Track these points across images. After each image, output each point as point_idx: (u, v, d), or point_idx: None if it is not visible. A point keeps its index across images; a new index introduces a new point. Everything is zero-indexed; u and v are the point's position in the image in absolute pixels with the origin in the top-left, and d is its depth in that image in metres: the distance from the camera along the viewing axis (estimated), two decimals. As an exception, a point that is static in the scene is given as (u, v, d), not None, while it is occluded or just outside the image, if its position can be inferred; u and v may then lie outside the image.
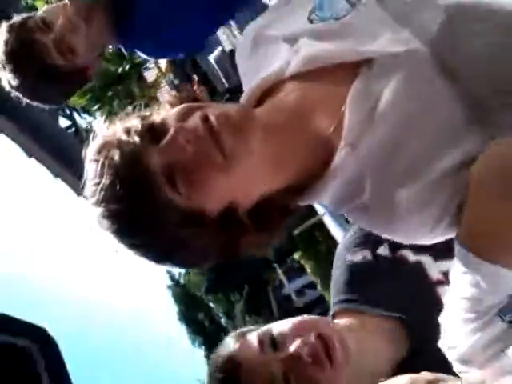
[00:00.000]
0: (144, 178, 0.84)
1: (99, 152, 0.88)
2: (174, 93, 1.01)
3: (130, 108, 0.97)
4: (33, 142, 6.07)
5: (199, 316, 26.27)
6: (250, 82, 1.02)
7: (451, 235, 0.90)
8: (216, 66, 6.47)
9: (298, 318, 1.26)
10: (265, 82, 0.98)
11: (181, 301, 22.48)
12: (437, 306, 1.10)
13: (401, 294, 1.32)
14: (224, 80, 7.36)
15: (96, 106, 9.39)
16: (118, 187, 0.83)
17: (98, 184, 0.85)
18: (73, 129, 7.32)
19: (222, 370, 1.20)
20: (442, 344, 0.95)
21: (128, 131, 0.87)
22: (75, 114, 8.71)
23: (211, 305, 25.23)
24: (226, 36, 8.62)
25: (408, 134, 0.88)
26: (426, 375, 0.90)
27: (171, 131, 0.85)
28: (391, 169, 0.89)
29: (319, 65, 0.94)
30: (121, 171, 0.84)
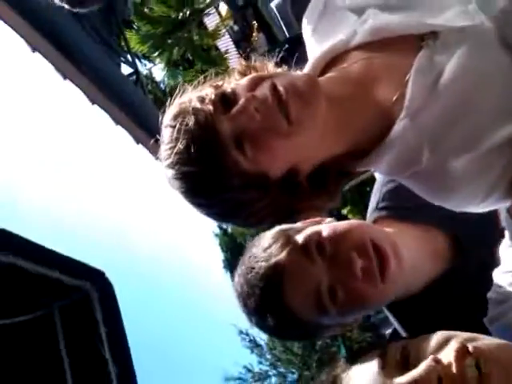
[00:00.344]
0: (215, 142, 0.90)
1: (175, 118, 0.94)
2: (243, 62, 1.05)
3: (201, 77, 1.02)
4: (96, 88, 6.17)
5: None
6: (315, 48, 1.05)
7: (503, 205, 0.95)
8: (277, 14, 6.38)
9: (349, 222, 1.18)
10: (331, 50, 1.00)
11: (227, 249, 22.77)
12: (492, 226, 1.12)
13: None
14: (285, 29, 7.26)
15: (156, 53, 9.45)
16: (191, 150, 0.89)
17: (173, 148, 0.92)
18: (134, 76, 7.36)
19: (263, 276, 1.09)
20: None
21: (202, 100, 0.93)
22: (137, 62, 8.76)
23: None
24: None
25: (467, 106, 0.90)
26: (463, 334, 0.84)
27: (242, 100, 0.90)
28: (449, 139, 0.91)
29: (385, 35, 0.96)
30: (195, 136, 0.90)
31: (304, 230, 1.12)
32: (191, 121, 0.91)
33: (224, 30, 9.38)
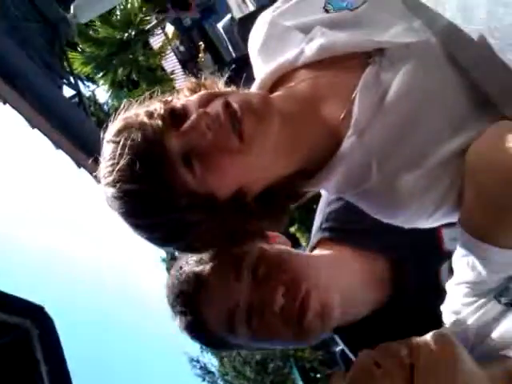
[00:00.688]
0: (163, 158, 0.85)
1: (119, 133, 0.88)
2: (193, 79, 1.00)
3: (147, 94, 0.97)
4: (36, 112, 6.00)
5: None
6: (262, 68, 1.03)
7: (452, 219, 0.93)
8: (224, 35, 6.36)
9: (298, 257, 1.14)
10: (278, 70, 0.99)
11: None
12: (434, 248, 1.14)
13: (392, 233, 1.15)
14: (231, 49, 7.26)
15: (100, 74, 9.29)
16: (136, 167, 0.84)
17: (116, 164, 0.86)
18: (76, 99, 7.21)
19: (185, 279, 1.09)
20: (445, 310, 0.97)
21: (150, 114, 0.88)
22: (80, 84, 8.62)
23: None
24: (235, 3, 8.51)
25: (415, 122, 0.90)
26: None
27: (193, 116, 0.86)
28: (396, 156, 0.90)
29: (332, 54, 0.95)
30: (141, 152, 0.85)
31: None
32: (138, 136, 0.86)
33: (170, 51, 9.33)
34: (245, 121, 0.86)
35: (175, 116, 0.88)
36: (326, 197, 1.32)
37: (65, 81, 7.25)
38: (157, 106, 0.91)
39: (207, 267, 1.07)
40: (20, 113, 6.02)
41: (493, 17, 0.77)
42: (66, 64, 7.65)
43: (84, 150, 6.43)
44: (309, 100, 0.95)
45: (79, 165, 6.66)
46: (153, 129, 0.86)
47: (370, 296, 1.18)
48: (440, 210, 0.91)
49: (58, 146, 6.35)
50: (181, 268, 1.10)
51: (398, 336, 1.13)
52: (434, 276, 1.17)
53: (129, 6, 8.73)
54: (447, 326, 0.96)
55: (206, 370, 21.65)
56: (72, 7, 4.94)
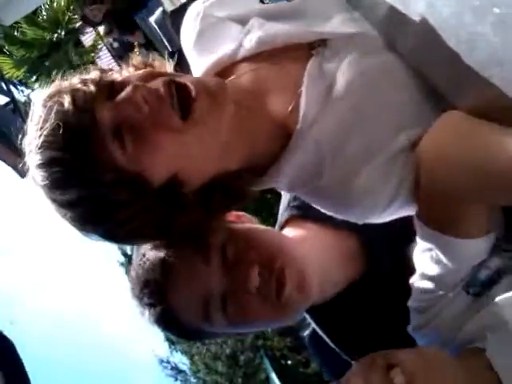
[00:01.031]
0: (90, 128, 0.79)
1: (50, 98, 0.83)
2: (141, 58, 0.95)
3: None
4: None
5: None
6: (199, 62, 0.99)
7: (406, 213, 0.93)
8: (157, 29, 6.25)
9: (268, 233, 1.11)
10: (217, 63, 0.95)
11: (126, 256, 22.39)
12: (407, 230, 1.09)
13: None
14: (167, 43, 7.15)
15: (34, 78, 8.99)
16: (61, 133, 0.78)
17: (41, 129, 0.80)
18: (11, 105, 6.99)
19: (148, 272, 0.99)
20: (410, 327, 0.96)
21: (85, 82, 0.83)
22: (13, 89, 8.37)
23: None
24: (167, -6, 8.38)
25: (363, 114, 0.88)
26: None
27: (129, 87, 0.81)
28: (348, 149, 0.89)
29: (273, 46, 0.92)
30: (68, 117, 0.79)
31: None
32: (67, 100, 0.80)
33: (103, 48, 9.13)
34: (198, 100, 0.81)
35: (113, 87, 0.83)
36: None
37: (-4, 87, 7.02)
38: (93, 75, 0.85)
39: (172, 251, 0.98)
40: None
41: (432, 9, 0.77)
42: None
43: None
44: (253, 93, 0.92)
45: (22, 175, 6.46)
46: (84, 95, 0.81)
47: (343, 273, 1.16)
48: (393, 205, 0.90)
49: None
50: (144, 255, 1.01)
51: (369, 314, 1.13)
52: (408, 258, 1.13)
53: (55, 5, 8.47)
54: (414, 321, 0.95)
55: (177, 370, 21.49)
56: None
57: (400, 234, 1.15)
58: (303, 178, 0.92)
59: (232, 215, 1.10)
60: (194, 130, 0.82)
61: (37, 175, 0.83)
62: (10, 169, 6.54)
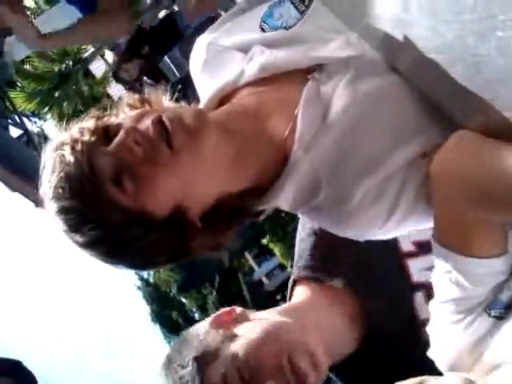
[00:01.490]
0: (91, 176, 0.85)
1: (54, 150, 0.90)
2: (134, 95, 0.99)
3: (92, 112, 0.97)
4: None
5: (173, 314, 26.12)
6: (206, 88, 1.04)
7: (405, 229, 0.95)
8: (166, 57, 6.36)
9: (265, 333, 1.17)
10: (221, 90, 1.01)
11: (152, 300, 22.29)
12: (403, 283, 1.16)
13: (367, 268, 1.26)
14: (175, 69, 7.24)
15: (45, 109, 9.12)
16: (66, 185, 0.85)
17: (50, 181, 0.88)
18: (25, 137, 7.06)
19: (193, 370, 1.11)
20: (431, 352, 0.95)
21: (82, 131, 0.89)
22: (26, 121, 8.47)
23: (183, 300, 25.20)
24: None
25: (359, 134, 0.90)
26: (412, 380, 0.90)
27: (121, 132, 0.86)
28: (344, 169, 0.91)
29: (273, 71, 0.97)
30: (69, 168, 0.85)
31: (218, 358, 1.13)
32: (67, 152, 0.87)
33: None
34: (175, 134, 0.85)
35: (108, 133, 0.88)
36: (299, 232, 1.37)
37: (10, 121, 7.10)
38: (89, 123, 0.91)
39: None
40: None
41: (435, 34, 0.77)
42: (8, 104, 7.50)
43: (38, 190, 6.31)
44: (252, 115, 0.96)
45: (37, 205, 6.52)
46: (81, 145, 0.86)
47: (348, 333, 1.22)
48: (393, 217, 0.91)
49: (13, 188, 6.21)
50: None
51: (389, 368, 1.16)
52: (409, 310, 1.18)
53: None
54: (435, 349, 0.94)
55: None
56: (5, 46, 4.84)
57: (398, 289, 1.20)
58: (302, 197, 0.95)
59: (223, 319, 1.21)
60: (180, 161, 0.86)
61: (56, 221, 0.90)
62: (25, 199, 6.58)
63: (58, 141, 0.91)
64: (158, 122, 0.86)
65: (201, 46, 1.08)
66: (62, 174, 0.86)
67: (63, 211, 0.87)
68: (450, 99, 0.84)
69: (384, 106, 0.91)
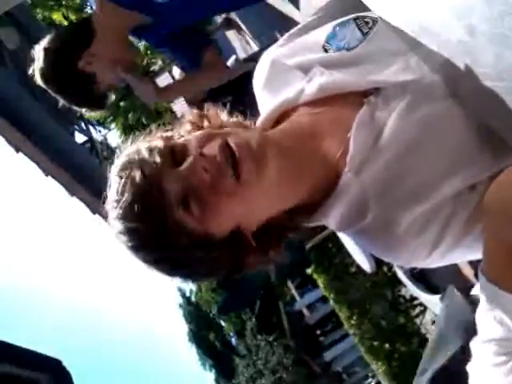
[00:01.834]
0: (160, 201, 0.88)
1: (123, 169, 0.92)
2: (196, 112, 1.03)
3: (153, 126, 1.01)
4: (49, 159, 6.08)
5: (210, 336, 26.03)
6: (266, 104, 1.07)
7: (451, 260, 0.95)
8: (231, 77, 6.50)
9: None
10: (280, 106, 1.03)
11: (192, 320, 22.29)
12: None
13: None
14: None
15: (110, 119, 9.39)
16: (136, 206, 0.88)
17: (119, 201, 0.90)
18: (89, 144, 7.30)
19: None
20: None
21: (151, 151, 0.91)
22: (91, 129, 8.73)
23: (222, 323, 25.08)
24: (239, 43, 8.66)
25: (410, 161, 0.91)
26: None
27: (190, 158, 0.89)
28: (393, 194, 0.92)
29: (331, 93, 0.99)
30: (140, 192, 0.88)
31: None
32: (137, 174, 0.89)
33: (178, 94, 9.44)
34: (242, 163, 0.88)
35: (175, 155, 0.91)
36: None
37: (76, 127, 7.37)
38: (158, 143, 0.93)
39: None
40: (33, 161, 6.11)
41: (500, 59, 0.75)
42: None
43: (98, 196, 6.48)
44: (308, 135, 0.98)
45: (94, 211, 6.70)
46: (151, 168, 0.89)
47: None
48: (439, 247, 0.92)
49: (72, 192, 6.42)
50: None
51: None
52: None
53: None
54: None
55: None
56: (81, 57, 5.11)
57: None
58: (349, 218, 0.97)
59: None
60: (246, 189, 0.90)
61: (120, 238, 0.93)
62: (82, 204, 6.77)
63: (126, 159, 0.93)
64: (225, 149, 0.88)
65: (265, 62, 1.12)
66: (130, 195, 0.88)
67: (130, 232, 0.91)
68: (507, 130, 0.84)
69: (437, 136, 0.91)
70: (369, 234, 0.98)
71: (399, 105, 0.93)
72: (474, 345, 0.88)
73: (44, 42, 2.14)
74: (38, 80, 2.13)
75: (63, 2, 8.86)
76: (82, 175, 6.50)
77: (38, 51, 2.13)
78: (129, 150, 0.96)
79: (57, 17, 8.57)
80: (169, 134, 0.98)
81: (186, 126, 1.00)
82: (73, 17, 8.71)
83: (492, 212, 0.80)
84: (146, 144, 0.94)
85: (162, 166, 0.89)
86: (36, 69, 2.12)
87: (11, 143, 5.85)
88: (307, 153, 0.97)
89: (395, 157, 0.92)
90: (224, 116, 1.03)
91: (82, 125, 7.57)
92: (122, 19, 2.15)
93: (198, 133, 0.95)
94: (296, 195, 0.97)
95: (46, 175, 6.34)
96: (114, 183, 0.92)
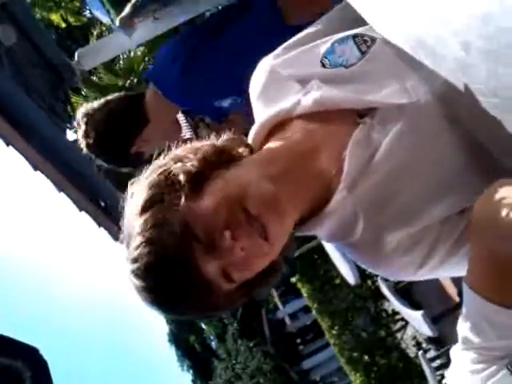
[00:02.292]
0: (201, 282, 0.90)
1: (148, 228, 0.90)
2: (207, 133, 1.03)
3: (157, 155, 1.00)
4: (39, 155, 6.05)
5: (190, 338, 25.93)
6: (261, 112, 1.08)
7: (438, 275, 0.98)
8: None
9: None
10: (275, 116, 1.03)
11: (172, 321, 22.21)
12: None
13: None
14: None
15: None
16: (174, 288, 0.90)
17: (148, 276, 0.90)
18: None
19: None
20: None
21: (172, 235, 0.89)
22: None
23: (203, 326, 25.04)
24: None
25: (402, 183, 0.93)
26: None
27: (226, 244, 0.89)
28: (382, 214, 0.94)
29: (327, 108, 0.99)
30: (180, 278, 0.89)
31: None
32: (169, 265, 0.88)
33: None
34: (266, 224, 0.90)
35: (207, 242, 0.90)
36: None
37: (68, 125, 7.32)
38: (174, 221, 0.89)
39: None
40: (23, 155, 6.07)
41: (493, 76, 0.77)
42: (69, 108, 7.77)
43: (86, 194, 6.46)
44: (305, 154, 0.99)
45: (80, 208, 6.67)
46: (184, 257, 0.88)
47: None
48: (426, 266, 0.95)
49: (60, 188, 6.37)
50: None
51: None
52: None
53: (132, 54, 8.90)
54: None
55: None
56: (76, 55, 5.10)
57: None
58: (339, 233, 0.99)
59: None
60: (275, 245, 0.94)
61: (142, 296, 0.94)
62: (70, 200, 6.71)
63: (149, 220, 0.90)
64: (251, 217, 0.90)
65: (262, 70, 1.12)
66: (169, 282, 0.89)
67: (162, 303, 0.93)
68: (501, 150, 0.86)
69: (428, 162, 0.93)
70: (357, 249, 1.00)
71: (394, 128, 0.94)
72: (453, 352, 0.90)
73: (91, 110, 2.11)
74: (83, 147, 2.13)
75: (62, 4, 8.85)
76: (71, 172, 6.46)
77: (84, 117, 2.11)
78: (145, 195, 0.93)
79: (55, 18, 8.56)
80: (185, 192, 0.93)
81: (198, 155, 0.97)
82: (71, 19, 8.71)
83: (479, 225, 0.82)
84: (164, 213, 0.91)
85: (196, 253, 0.89)
86: (81, 138, 2.11)
87: (1, 137, 5.82)
88: (305, 171, 0.98)
89: (386, 179, 0.94)
90: (239, 147, 1.03)
91: (75, 123, 7.52)
92: (177, 110, 2.23)
93: (214, 202, 0.91)
94: (298, 214, 0.99)
95: (35, 170, 6.31)
96: (137, 243, 0.90)
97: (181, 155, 0.96)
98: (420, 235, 0.93)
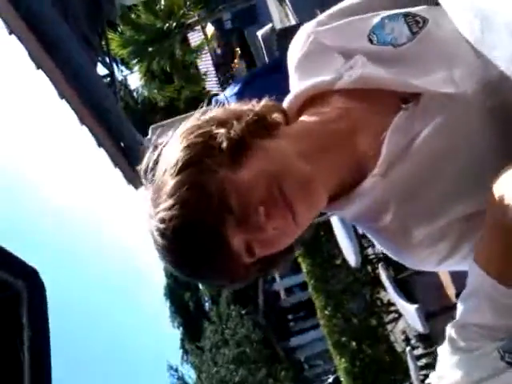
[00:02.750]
0: (225, 252, 0.89)
1: (179, 192, 0.88)
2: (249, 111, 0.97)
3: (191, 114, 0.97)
4: (67, 82, 6.08)
5: (185, 295, 26.35)
6: (298, 83, 1.03)
7: (459, 268, 0.96)
8: (262, 43, 6.39)
9: None
10: (313, 88, 0.99)
11: (171, 275, 22.53)
12: None
13: None
14: (266, 58, 7.29)
15: (135, 60, 9.31)
16: (197, 253, 0.89)
17: (175, 248, 0.90)
18: (108, 79, 7.27)
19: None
20: (432, 375, 0.92)
21: (206, 197, 0.87)
22: (114, 65, 8.69)
23: (200, 285, 25.38)
24: (278, 14, 8.58)
25: (436, 174, 0.91)
26: None
27: (260, 221, 0.87)
28: (414, 203, 0.93)
29: (369, 86, 0.95)
30: (204, 245, 0.88)
31: None
32: (199, 230, 0.87)
33: (206, 51, 9.39)
34: (296, 204, 0.88)
35: (235, 213, 0.88)
36: None
37: (100, 59, 7.32)
38: (212, 186, 0.88)
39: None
40: (52, 81, 6.10)
41: None
42: (104, 43, 7.75)
43: (107, 131, 6.49)
44: (342, 132, 0.96)
45: (99, 144, 6.71)
46: (213, 226, 0.87)
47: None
48: (450, 259, 0.94)
49: (82, 122, 6.41)
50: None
51: None
52: None
53: (174, -3, 8.84)
54: (439, 372, 0.90)
55: (182, 381, 21.27)
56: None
57: None
58: (366, 216, 0.97)
59: None
60: (302, 222, 0.91)
61: (163, 255, 0.93)
62: (90, 135, 6.75)
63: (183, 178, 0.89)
64: (286, 200, 0.88)
65: (303, 37, 1.06)
66: (194, 248, 0.89)
67: (185, 264, 0.92)
68: None
69: (465, 155, 0.90)
70: (382, 234, 0.98)
71: (436, 119, 0.91)
72: (449, 328, 0.90)
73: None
74: None
75: None
76: (96, 106, 6.50)
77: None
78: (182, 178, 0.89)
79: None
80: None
81: (237, 124, 0.93)
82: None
83: (497, 204, 0.80)
84: (199, 191, 0.88)
85: (225, 226, 0.88)
86: None
87: (34, 59, 5.84)
88: (341, 150, 0.95)
89: (421, 168, 0.92)
90: (274, 113, 0.99)
91: (107, 59, 7.52)
92: None
93: (249, 181, 0.89)
94: (328, 194, 0.96)
95: (61, 98, 6.34)
96: (171, 192, 0.89)
97: (223, 119, 0.94)
98: (446, 230, 0.92)
